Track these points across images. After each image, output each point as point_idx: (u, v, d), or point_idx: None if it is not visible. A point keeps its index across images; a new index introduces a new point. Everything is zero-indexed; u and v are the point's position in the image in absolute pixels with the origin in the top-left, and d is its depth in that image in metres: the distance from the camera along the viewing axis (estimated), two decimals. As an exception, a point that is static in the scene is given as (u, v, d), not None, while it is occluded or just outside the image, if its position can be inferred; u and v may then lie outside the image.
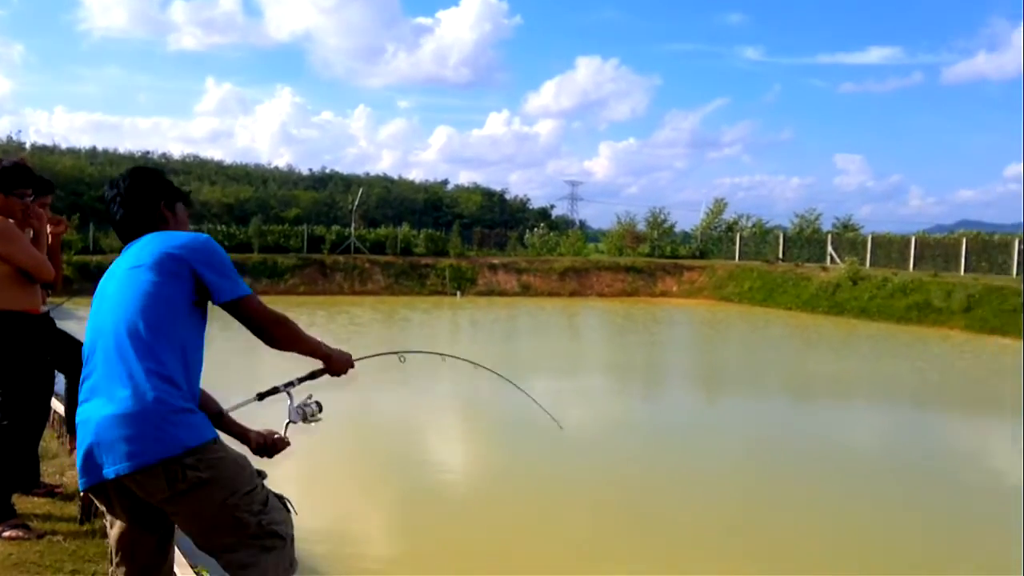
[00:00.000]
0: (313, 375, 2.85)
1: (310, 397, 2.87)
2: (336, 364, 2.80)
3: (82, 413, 2.39)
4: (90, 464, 2.34)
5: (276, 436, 2.84)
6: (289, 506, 2.54)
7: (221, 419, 2.69)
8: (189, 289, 2.43)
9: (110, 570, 2.58)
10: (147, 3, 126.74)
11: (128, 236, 2.63)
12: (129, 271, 2.46)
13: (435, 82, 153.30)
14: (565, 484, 8.52)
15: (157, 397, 2.30)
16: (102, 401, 2.34)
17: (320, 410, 2.87)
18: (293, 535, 2.49)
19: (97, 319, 2.47)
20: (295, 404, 2.82)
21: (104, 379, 2.36)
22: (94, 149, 57.24)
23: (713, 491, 8.46)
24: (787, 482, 8.87)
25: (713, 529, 7.29)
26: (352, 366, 2.85)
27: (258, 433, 2.85)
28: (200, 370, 2.51)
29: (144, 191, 2.68)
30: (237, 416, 2.77)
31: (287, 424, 2.82)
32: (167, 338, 2.37)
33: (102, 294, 2.51)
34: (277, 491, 2.54)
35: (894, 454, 10.53)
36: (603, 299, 34.36)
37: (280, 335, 2.58)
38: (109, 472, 2.30)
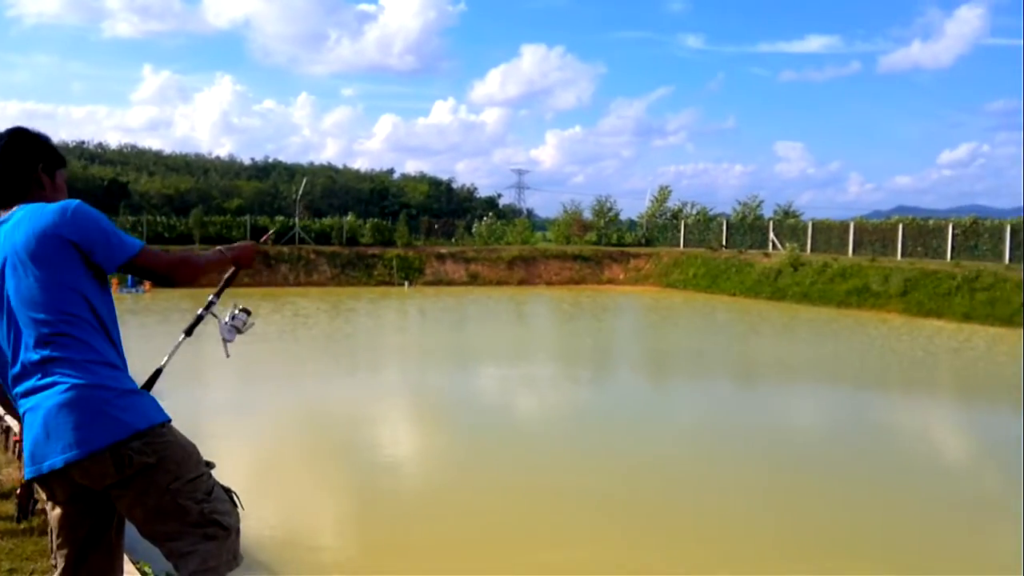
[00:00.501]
0: (227, 282, 2.83)
1: (235, 307, 2.83)
2: (244, 260, 2.75)
3: (24, 405, 2.33)
4: (37, 454, 2.28)
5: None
6: (236, 500, 2.50)
7: (159, 374, 2.63)
8: (83, 266, 2.34)
9: (52, 556, 2.52)
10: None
11: (1, 202, 2.47)
12: (22, 264, 2.31)
13: (379, 70, 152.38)
14: (516, 473, 8.54)
15: (101, 383, 2.27)
16: (46, 392, 2.28)
17: (249, 315, 2.84)
18: (239, 528, 2.45)
19: (7, 315, 2.35)
20: (224, 322, 2.79)
21: (42, 371, 2.29)
22: (26, 139, 55.40)
23: (663, 477, 8.57)
24: (736, 465, 9.01)
25: (664, 515, 7.38)
26: (257, 252, 2.83)
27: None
28: (120, 339, 2.45)
29: (22, 153, 2.48)
30: (177, 360, 2.72)
31: (226, 344, 2.79)
32: (89, 323, 2.32)
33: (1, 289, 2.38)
34: (225, 484, 2.50)
35: (839, 435, 10.78)
36: (551, 287, 34.52)
37: (183, 275, 2.50)
38: (58, 461, 2.25)
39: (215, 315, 2.75)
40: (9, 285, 2.33)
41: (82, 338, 2.30)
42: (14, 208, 2.41)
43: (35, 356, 2.29)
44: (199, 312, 2.72)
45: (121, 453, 2.24)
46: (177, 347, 2.71)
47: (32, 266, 2.30)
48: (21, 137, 2.51)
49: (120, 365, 2.36)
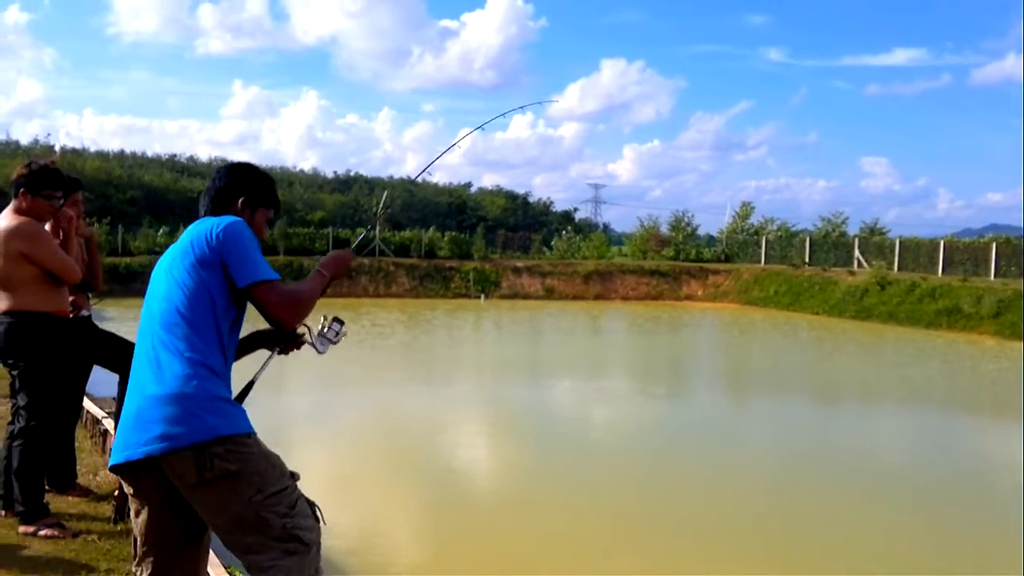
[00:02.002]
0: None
1: (325, 319, 2.83)
2: (338, 271, 2.76)
3: (126, 396, 2.44)
4: (124, 443, 2.36)
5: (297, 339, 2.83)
6: (319, 514, 2.51)
7: (251, 386, 2.68)
8: (222, 277, 2.44)
9: (133, 565, 2.57)
10: (176, 7, 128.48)
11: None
12: (171, 261, 2.50)
13: (460, 85, 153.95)
14: (590, 487, 8.48)
15: (197, 384, 2.33)
16: (145, 384, 2.37)
17: (342, 324, 2.83)
18: (320, 543, 2.46)
19: (145, 312, 2.52)
20: (315, 334, 2.79)
21: (148, 365, 2.40)
22: (122, 152, 57.89)
23: (738, 497, 8.40)
24: (815, 489, 8.78)
25: (736, 534, 7.23)
26: (350, 260, 2.83)
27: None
28: (233, 358, 2.54)
29: (228, 185, 2.69)
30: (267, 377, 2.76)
31: (319, 353, 2.80)
32: (205, 327, 2.40)
33: (150, 288, 2.56)
34: (310, 497, 2.52)
35: (924, 462, 10.41)
36: (627, 302, 34.26)
37: (294, 321, 2.58)
38: (139, 452, 2.31)
39: (307, 326, 2.76)
40: (154, 280, 2.55)
41: (194, 339, 2.39)
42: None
43: (152, 351, 2.42)
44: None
45: (202, 455, 2.28)
46: (269, 360, 2.76)
47: (184, 261, 2.47)
48: (233, 170, 2.75)
49: (222, 374, 2.44)
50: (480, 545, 6.76)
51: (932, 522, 7.75)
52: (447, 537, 7.06)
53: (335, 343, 2.79)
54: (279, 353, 2.83)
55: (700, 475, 9.17)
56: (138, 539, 2.51)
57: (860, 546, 7.06)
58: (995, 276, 29.17)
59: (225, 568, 3.69)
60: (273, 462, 2.42)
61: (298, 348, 2.85)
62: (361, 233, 36.86)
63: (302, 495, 2.48)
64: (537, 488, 8.56)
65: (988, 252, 30.41)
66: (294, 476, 2.49)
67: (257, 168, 2.81)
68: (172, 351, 2.37)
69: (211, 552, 3.97)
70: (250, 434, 2.40)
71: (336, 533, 6.78)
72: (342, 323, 2.82)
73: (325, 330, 2.80)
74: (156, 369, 2.37)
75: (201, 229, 2.49)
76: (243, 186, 2.69)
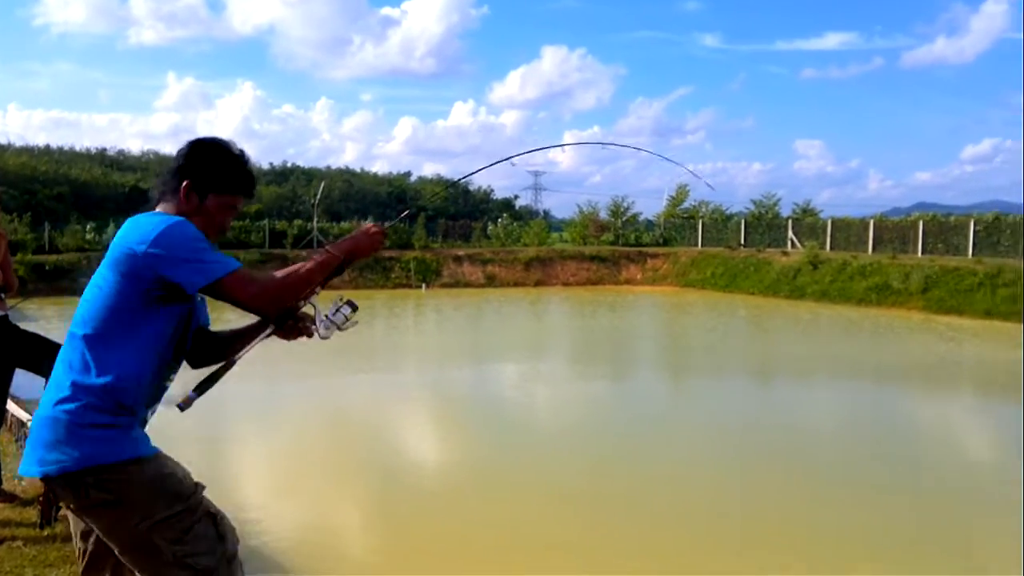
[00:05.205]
0: (338, 270, 2.46)
1: (340, 300, 2.49)
2: (366, 246, 2.48)
3: None
4: (25, 455, 2.29)
5: (301, 324, 2.49)
6: (224, 529, 2.33)
7: (230, 367, 2.45)
8: (147, 288, 2.23)
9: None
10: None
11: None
12: (102, 263, 2.33)
13: (400, 73, 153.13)
14: (538, 473, 8.53)
15: (75, 408, 2.19)
16: (42, 402, 2.28)
17: (354, 310, 2.49)
18: (215, 567, 2.28)
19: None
20: (321, 316, 2.45)
21: (51, 380, 2.30)
22: (48, 147, 56.04)
23: (686, 476, 8.54)
24: (752, 464, 8.96)
25: (689, 516, 7.35)
26: (384, 234, 2.52)
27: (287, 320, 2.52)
28: (159, 370, 2.33)
29: (176, 167, 2.40)
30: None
31: (320, 338, 2.46)
32: (119, 340, 2.24)
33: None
34: (216, 508, 2.35)
35: (856, 433, 10.69)
36: (568, 288, 34.49)
37: (275, 307, 2.30)
38: (30, 470, 2.23)
39: (314, 305, 2.46)
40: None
41: (92, 357, 2.23)
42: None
43: (57, 365, 2.29)
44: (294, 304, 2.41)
45: (77, 484, 2.18)
46: (261, 339, 2.46)
47: (106, 270, 2.28)
48: (193, 146, 2.44)
49: (114, 396, 2.22)
50: (430, 538, 6.72)
51: (865, 490, 7.97)
52: (396, 531, 7.01)
53: (342, 330, 2.47)
54: (283, 339, 2.52)
55: (646, 455, 9.28)
56: (78, 547, 2.43)
57: (802, 517, 7.25)
58: (922, 253, 30.11)
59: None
60: (163, 486, 2.25)
61: (303, 334, 2.49)
62: (298, 225, 36.49)
63: (202, 517, 2.30)
64: (486, 476, 8.57)
65: (916, 230, 31.35)
66: (199, 487, 2.33)
67: (216, 145, 2.45)
68: (66, 366, 2.25)
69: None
70: (136, 459, 2.23)
71: (281, 531, 6.71)
72: (355, 307, 2.49)
73: (332, 314, 2.46)
74: (52, 388, 2.26)
75: (128, 237, 2.25)
76: (190, 167, 2.38)
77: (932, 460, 9.37)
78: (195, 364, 2.60)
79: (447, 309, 26.95)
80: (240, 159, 2.47)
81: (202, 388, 2.39)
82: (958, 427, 11.72)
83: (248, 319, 2.52)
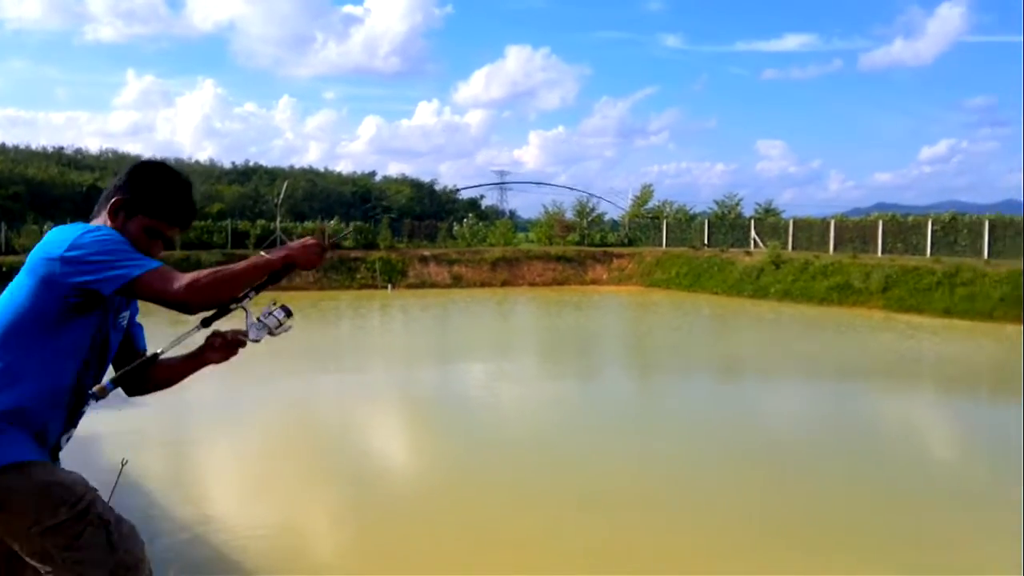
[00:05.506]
0: (273, 277, 2.37)
1: (273, 304, 2.43)
2: (303, 259, 2.37)
3: None
4: None
5: (231, 334, 2.45)
6: (114, 537, 2.25)
7: (152, 362, 2.41)
8: (63, 294, 2.20)
9: None
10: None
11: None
12: (17, 275, 2.30)
13: (364, 72, 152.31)
14: (507, 473, 8.52)
15: None
16: None
17: (288, 315, 2.43)
18: (132, 563, 2.24)
19: None
20: (252, 319, 2.39)
21: None
22: (3, 146, 54.82)
23: (654, 475, 8.57)
24: (721, 460, 9.02)
25: (656, 513, 7.38)
26: (325, 251, 2.42)
27: (212, 342, 2.48)
28: (72, 388, 2.29)
29: (115, 184, 2.39)
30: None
31: (251, 341, 2.42)
32: (14, 349, 2.21)
33: None
34: (115, 513, 2.28)
35: (822, 430, 10.83)
36: (534, 288, 34.52)
37: (199, 299, 2.19)
38: None
39: (245, 309, 2.38)
40: None
41: None
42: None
43: None
44: (225, 303, 2.32)
45: None
46: (185, 336, 2.38)
47: (21, 275, 2.27)
48: (132, 168, 2.43)
49: (22, 392, 2.20)
50: (400, 538, 6.67)
51: (831, 486, 8.07)
52: (366, 532, 6.96)
53: (274, 334, 2.42)
54: (218, 360, 2.50)
55: (614, 454, 9.30)
56: None
57: (771, 511, 7.31)
58: (882, 253, 30.60)
59: None
60: (47, 492, 2.19)
61: (237, 347, 2.46)
62: (261, 225, 36.10)
63: (93, 524, 2.23)
64: (454, 477, 8.54)
65: (875, 230, 31.86)
66: (85, 498, 2.24)
67: (160, 170, 2.45)
68: None
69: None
70: (16, 464, 2.16)
71: (249, 532, 6.62)
72: (289, 312, 2.42)
73: (264, 316, 2.41)
74: None
75: (47, 243, 2.24)
76: (126, 186, 2.38)
77: (895, 455, 9.51)
78: (130, 391, 2.56)
79: (413, 310, 26.83)
80: (182, 188, 2.45)
81: (119, 380, 2.36)
82: (919, 423, 11.91)
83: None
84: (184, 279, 2.17)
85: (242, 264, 2.29)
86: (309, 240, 2.45)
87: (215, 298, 2.25)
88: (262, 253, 2.37)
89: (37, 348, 2.22)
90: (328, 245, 2.52)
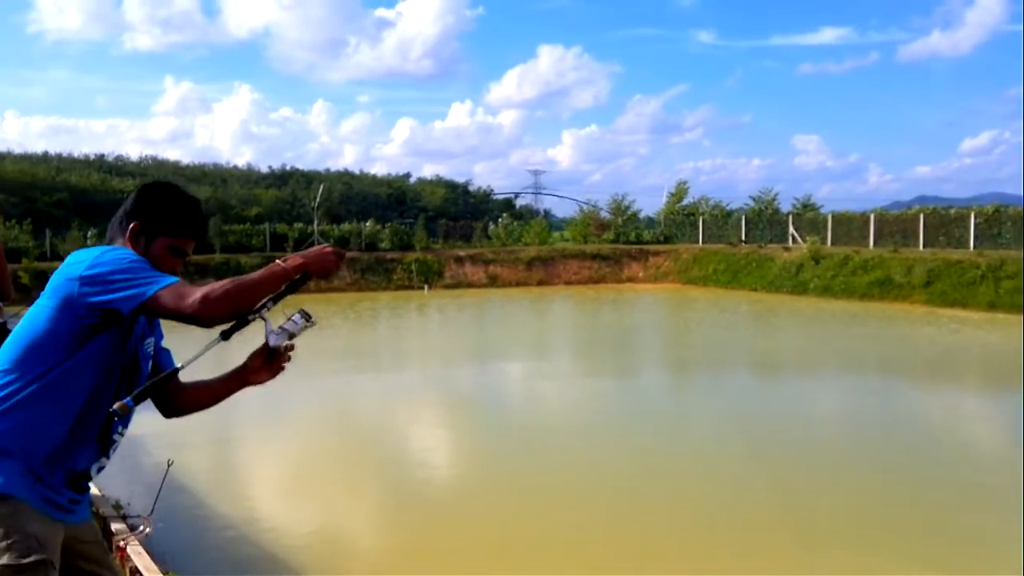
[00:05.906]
0: (291, 287, 2.33)
1: (296, 311, 2.42)
2: (317, 266, 2.30)
3: None
4: None
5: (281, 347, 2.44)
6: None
7: (173, 376, 2.38)
8: (81, 314, 2.19)
9: None
10: (101, 2, 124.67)
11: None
12: (39, 299, 2.29)
13: (397, 75, 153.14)
14: (548, 472, 8.51)
15: None
16: None
17: (309, 319, 2.40)
18: None
19: None
20: (272, 327, 2.37)
21: None
22: (47, 154, 56.00)
23: (696, 474, 8.51)
24: (760, 458, 8.93)
25: (701, 515, 7.32)
26: (341, 258, 2.37)
27: (255, 358, 2.49)
28: (91, 412, 2.28)
29: (128, 208, 2.40)
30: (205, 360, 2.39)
31: (273, 348, 2.43)
32: (27, 366, 2.21)
33: None
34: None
35: (864, 428, 10.67)
36: (570, 287, 34.45)
37: (212, 312, 2.12)
38: None
39: (264, 319, 2.35)
40: None
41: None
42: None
43: None
44: (246, 314, 2.26)
45: None
46: (207, 348, 2.33)
47: (42, 298, 2.27)
48: (143, 190, 2.46)
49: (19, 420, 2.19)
50: (441, 538, 6.71)
51: (873, 481, 7.95)
52: (408, 531, 7.00)
53: (295, 337, 2.42)
54: (258, 382, 2.53)
55: (656, 451, 9.26)
56: None
57: (811, 510, 7.23)
58: (924, 247, 30.05)
59: (163, 573, 3.60)
60: (3, 533, 2.16)
61: (278, 368, 2.50)
62: (299, 228, 36.45)
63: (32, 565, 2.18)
64: (496, 475, 8.55)
65: (916, 224, 31.29)
66: (37, 559, 2.18)
67: (168, 189, 2.46)
68: None
69: (148, 556, 3.87)
70: None
71: (292, 531, 6.70)
72: (308, 317, 2.41)
73: (285, 323, 2.39)
74: None
75: (68, 265, 2.24)
76: (140, 210, 2.38)
77: (940, 453, 9.34)
78: (167, 412, 2.58)
79: (450, 309, 26.92)
80: (191, 203, 2.47)
81: (140, 396, 2.27)
82: (964, 419, 11.68)
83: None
84: (196, 294, 2.12)
85: (257, 274, 2.24)
86: (326, 247, 2.40)
87: (230, 310, 2.17)
88: (277, 260, 2.33)
89: (50, 371, 2.20)
90: (344, 252, 2.46)
